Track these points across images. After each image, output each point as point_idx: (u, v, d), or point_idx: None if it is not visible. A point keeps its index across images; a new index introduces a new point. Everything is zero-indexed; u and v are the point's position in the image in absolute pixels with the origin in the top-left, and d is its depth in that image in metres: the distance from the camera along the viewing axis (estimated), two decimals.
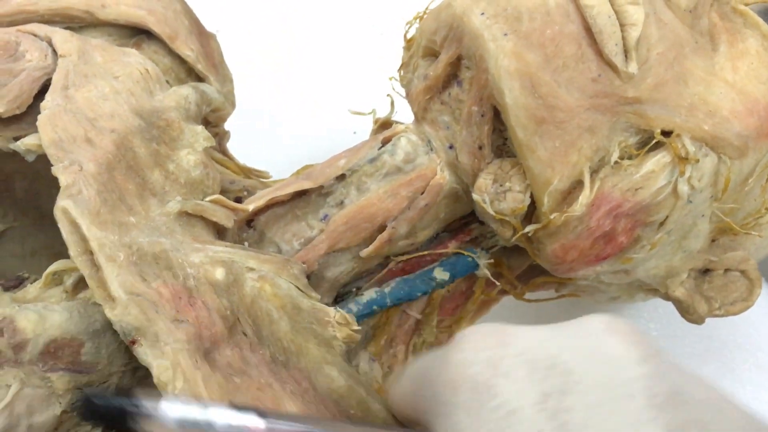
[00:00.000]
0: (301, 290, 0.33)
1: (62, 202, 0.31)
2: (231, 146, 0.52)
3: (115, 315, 0.28)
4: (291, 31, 0.76)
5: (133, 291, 0.29)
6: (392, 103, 0.43)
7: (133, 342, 0.28)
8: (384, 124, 0.43)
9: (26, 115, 0.38)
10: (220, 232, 0.35)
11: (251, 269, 0.32)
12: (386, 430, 0.27)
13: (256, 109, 0.68)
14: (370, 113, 0.45)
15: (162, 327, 0.28)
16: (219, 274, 0.31)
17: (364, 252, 0.36)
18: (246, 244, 0.36)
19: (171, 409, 0.25)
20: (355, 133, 0.63)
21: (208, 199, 0.34)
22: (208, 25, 0.53)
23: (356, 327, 0.33)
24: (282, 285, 0.32)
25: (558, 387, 0.21)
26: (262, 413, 0.25)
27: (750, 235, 0.40)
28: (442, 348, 0.24)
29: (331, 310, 0.33)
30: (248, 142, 0.66)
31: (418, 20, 0.40)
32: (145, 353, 0.28)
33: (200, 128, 0.37)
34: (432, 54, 0.38)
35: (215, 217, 0.34)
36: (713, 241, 0.40)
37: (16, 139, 0.36)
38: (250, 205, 0.36)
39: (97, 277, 0.29)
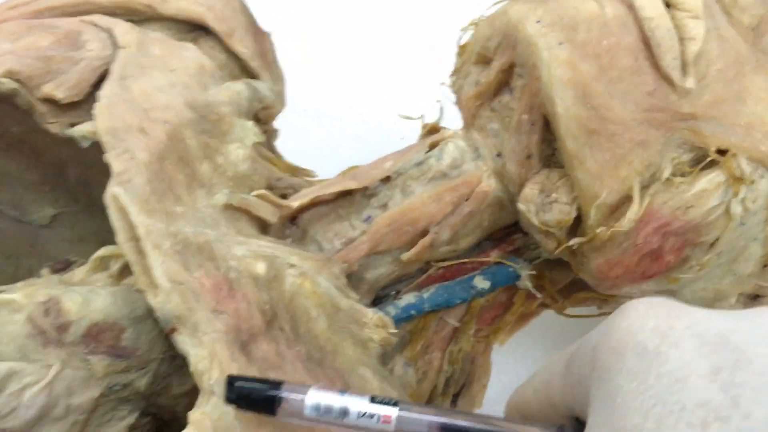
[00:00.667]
0: (341, 290, 0.33)
1: (113, 189, 0.31)
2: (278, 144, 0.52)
3: (157, 302, 0.29)
4: (340, 41, 0.77)
5: (176, 279, 0.29)
6: (441, 110, 0.43)
7: (173, 330, 0.29)
8: (432, 130, 0.43)
9: (84, 103, 0.39)
10: (264, 228, 0.35)
11: (292, 265, 0.32)
12: (514, 423, 0.26)
13: (301, 109, 0.69)
14: (419, 118, 0.45)
15: (202, 317, 0.29)
16: (260, 268, 0.31)
17: (405, 255, 0.36)
18: (289, 240, 0.36)
19: (308, 396, 0.26)
20: (402, 138, 0.63)
21: (254, 193, 0.35)
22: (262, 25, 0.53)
23: (393, 330, 0.33)
24: (322, 283, 0.32)
25: (730, 362, 0.21)
26: (395, 402, 0.26)
27: None
28: (609, 317, 0.24)
29: (369, 311, 0.33)
30: (292, 142, 0.66)
31: (472, 27, 0.40)
32: (183, 341, 0.28)
33: (250, 124, 0.37)
34: (484, 61, 0.38)
35: (260, 211, 0.34)
36: (765, 266, 0.39)
37: (73, 125, 0.37)
38: (295, 202, 0.36)
39: (141, 264, 0.30)
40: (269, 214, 0.34)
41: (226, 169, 0.35)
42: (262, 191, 0.35)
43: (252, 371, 0.28)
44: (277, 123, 0.53)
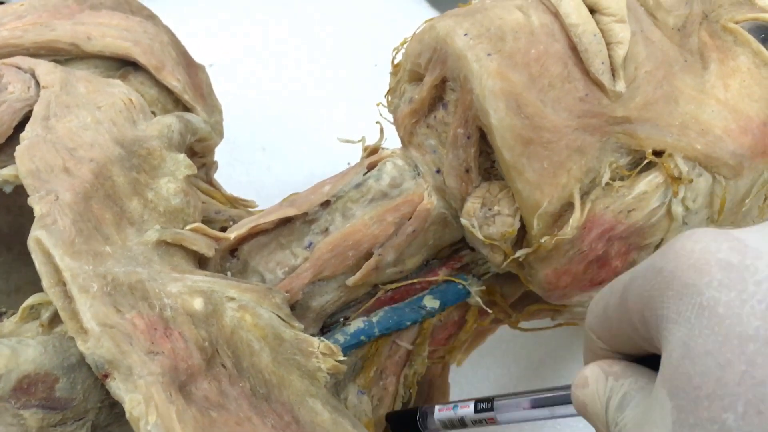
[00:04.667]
0: (284, 320, 0.32)
1: (36, 233, 0.30)
2: (225, 179, 0.51)
3: (88, 348, 0.27)
4: (285, 64, 0.76)
5: (107, 322, 0.28)
6: (381, 130, 0.43)
7: (106, 376, 0.27)
8: (373, 152, 0.42)
9: (6, 147, 0.38)
10: (201, 262, 0.34)
11: (231, 299, 0.31)
12: None
13: (249, 142, 0.68)
14: (359, 141, 0.44)
15: (136, 359, 0.27)
16: (197, 304, 0.30)
17: (351, 280, 0.35)
18: (229, 273, 0.35)
19: (436, 415, 0.35)
20: (349, 163, 0.62)
21: (188, 227, 0.33)
22: (203, 59, 0.53)
23: (341, 357, 0.32)
24: (263, 314, 0.31)
25: None
26: (490, 404, 0.33)
27: None
28: (658, 253, 0.24)
29: (315, 340, 0.32)
30: (241, 175, 0.65)
31: (404, 45, 0.40)
32: (117, 387, 0.27)
33: (182, 156, 0.36)
34: (418, 78, 0.37)
35: (195, 245, 0.33)
36: None
37: None
38: (232, 234, 0.35)
39: (69, 309, 0.28)
40: (205, 247, 0.33)
41: (158, 204, 0.33)
42: (197, 224, 0.33)
43: (192, 412, 0.27)
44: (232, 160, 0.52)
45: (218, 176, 0.50)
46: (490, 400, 0.33)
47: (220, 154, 0.50)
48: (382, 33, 0.78)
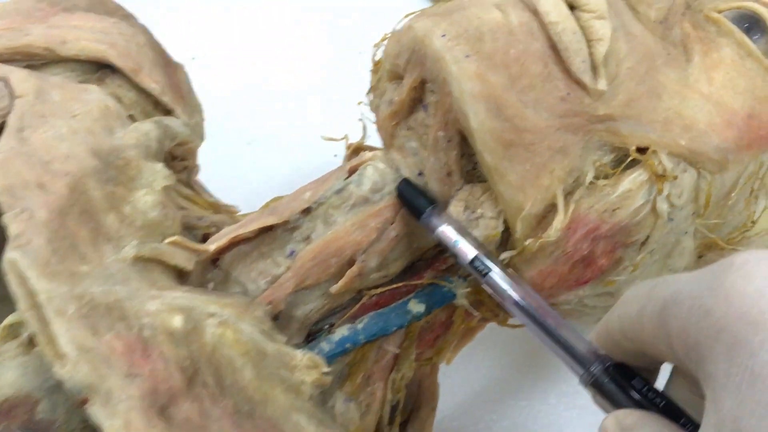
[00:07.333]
0: (266, 334, 0.31)
1: (10, 254, 0.29)
2: (210, 175, 0.50)
3: (65, 372, 0.27)
4: (267, 56, 0.75)
5: (84, 346, 0.27)
6: (364, 128, 0.42)
7: (85, 401, 0.27)
8: (356, 150, 0.42)
9: None
10: (182, 275, 0.34)
11: (212, 315, 0.30)
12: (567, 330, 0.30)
13: (235, 137, 0.67)
14: (342, 138, 0.43)
15: (114, 383, 0.27)
16: (177, 322, 0.29)
17: (334, 288, 0.35)
18: (211, 284, 0.35)
19: (440, 228, 0.34)
20: (336, 155, 0.61)
21: (166, 241, 0.33)
22: (184, 52, 0.51)
23: (325, 369, 0.32)
24: (245, 330, 0.31)
25: None
26: (485, 273, 0.33)
27: (737, 251, 0.38)
28: (709, 270, 0.22)
29: (298, 353, 0.31)
30: (226, 170, 0.65)
31: (384, 41, 0.39)
32: (96, 413, 0.26)
33: (160, 166, 0.35)
34: (398, 77, 0.37)
35: (174, 260, 0.32)
36: (700, 257, 0.39)
37: None
38: (212, 246, 0.34)
39: (46, 333, 0.28)
40: (184, 261, 0.33)
41: (135, 218, 0.33)
42: (175, 238, 0.33)
43: None
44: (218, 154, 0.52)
45: (203, 172, 0.50)
46: (485, 271, 0.32)
47: (204, 148, 0.49)
48: (366, 19, 0.77)
